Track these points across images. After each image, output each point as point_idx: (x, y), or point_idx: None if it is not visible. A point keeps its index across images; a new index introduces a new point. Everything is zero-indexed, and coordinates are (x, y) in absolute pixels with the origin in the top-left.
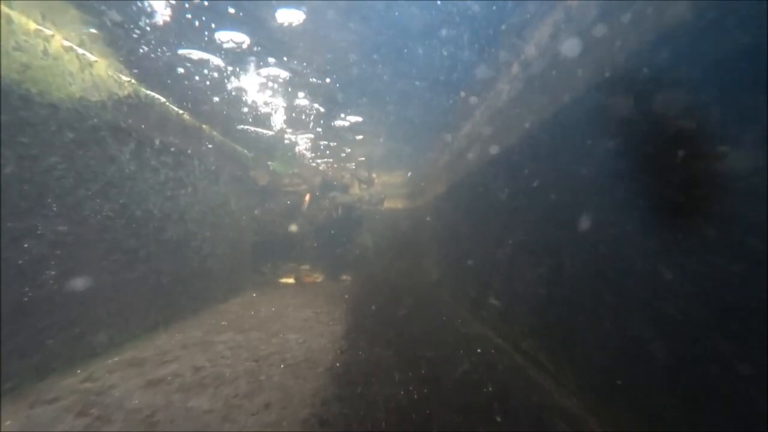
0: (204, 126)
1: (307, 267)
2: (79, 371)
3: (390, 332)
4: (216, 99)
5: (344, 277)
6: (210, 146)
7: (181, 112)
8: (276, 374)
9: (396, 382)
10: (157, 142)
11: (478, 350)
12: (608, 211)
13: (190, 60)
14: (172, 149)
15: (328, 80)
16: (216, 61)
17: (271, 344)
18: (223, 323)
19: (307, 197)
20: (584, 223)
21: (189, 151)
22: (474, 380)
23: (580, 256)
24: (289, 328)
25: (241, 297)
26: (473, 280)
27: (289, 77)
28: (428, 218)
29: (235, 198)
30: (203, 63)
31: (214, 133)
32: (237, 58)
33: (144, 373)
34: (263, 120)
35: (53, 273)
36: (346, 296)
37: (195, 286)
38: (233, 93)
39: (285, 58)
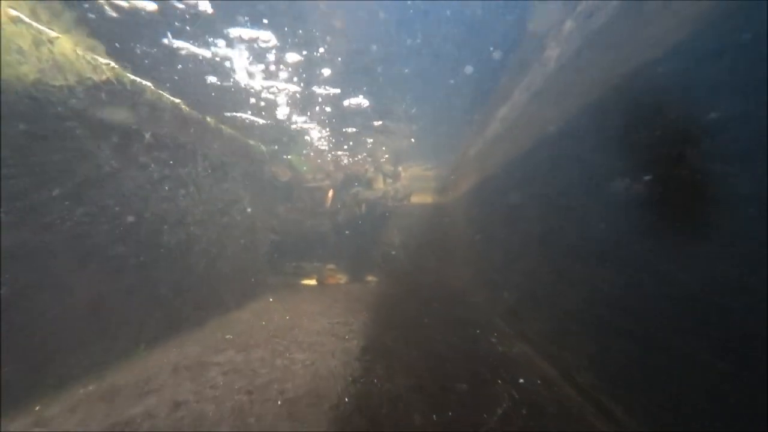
0: (209, 118)
1: (332, 267)
2: (38, 407)
3: (413, 352)
4: (208, 81)
5: (369, 277)
6: (216, 140)
7: (177, 101)
8: (269, 414)
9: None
10: (147, 135)
11: (521, 380)
12: (705, 207)
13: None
14: (168, 144)
15: (339, 59)
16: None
17: (273, 367)
18: (228, 337)
19: (330, 193)
20: (667, 224)
21: (190, 146)
22: (517, 429)
23: (662, 270)
24: (299, 344)
25: (256, 302)
26: (513, 287)
27: (289, 50)
28: (459, 214)
29: (249, 196)
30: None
31: (222, 126)
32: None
33: (113, 410)
34: (265, 107)
35: (2, 290)
36: (369, 301)
37: (201, 294)
38: (224, 74)
39: (274, 25)
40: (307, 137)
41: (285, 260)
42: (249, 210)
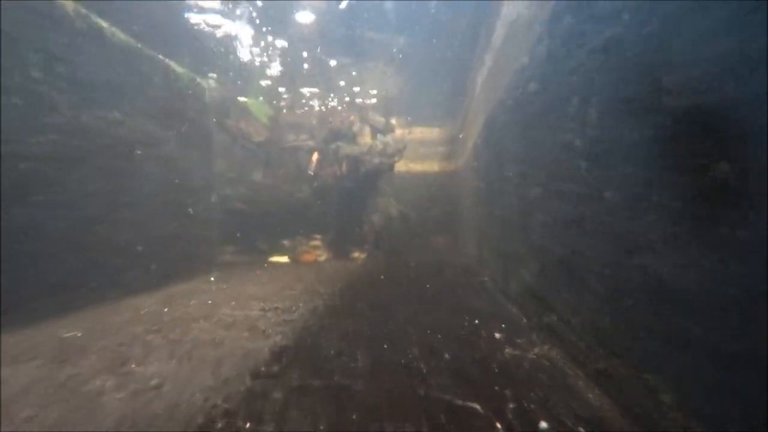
0: None
1: (317, 242)
2: None
3: (358, 360)
4: None
5: (356, 254)
6: (87, 41)
7: None
8: None
9: None
10: None
11: (542, 425)
12: None
13: None
14: None
15: None
16: None
17: (57, 400)
18: (69, 335)
19: (315, 156)
20: None
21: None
22: None
23: None
24: (181, 345)
25: (184, 284)
26: (534, 255)
27: None
28: (469, 179)
29: (175, 142)
30: None
31: (101, 23)
32: None
33: None
34: None
35: None
36: (341, 284)
37: (70, 269)
38: None
39: None
40: (237, 43)
41: (259, 235)
42: (177, 160)
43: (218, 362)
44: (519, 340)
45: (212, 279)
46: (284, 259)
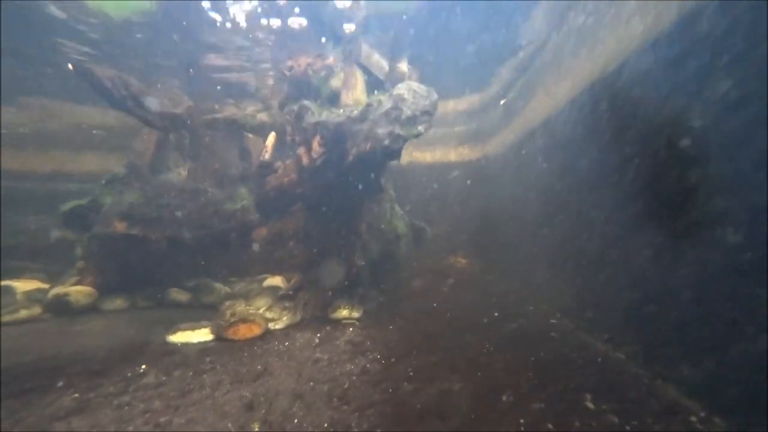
0: None
1: (277, 282)
2: None
3: None
4: None
5: (343, 311)
6: None
7: None
8: None
9: None
10: None
11: None
12: None
13: None
14: None
15: None
16: None
17: None
18: None
19: (271, 138)
20: None
21: None
22: None
23: None
24: None
25: None
26: None
27: None
28: (526, 173)
29: None
30: None
31: None
32: None
33: None
34: None
35: None
36: None
37: None
38: None
39: None
40: None
41: (168, 278)
42: None
43: None
44: None
45: None
46: (202, 334)
